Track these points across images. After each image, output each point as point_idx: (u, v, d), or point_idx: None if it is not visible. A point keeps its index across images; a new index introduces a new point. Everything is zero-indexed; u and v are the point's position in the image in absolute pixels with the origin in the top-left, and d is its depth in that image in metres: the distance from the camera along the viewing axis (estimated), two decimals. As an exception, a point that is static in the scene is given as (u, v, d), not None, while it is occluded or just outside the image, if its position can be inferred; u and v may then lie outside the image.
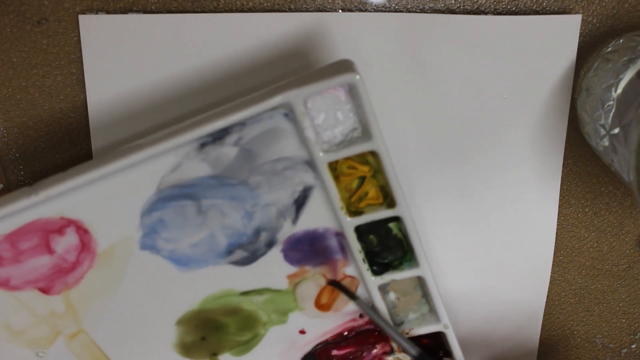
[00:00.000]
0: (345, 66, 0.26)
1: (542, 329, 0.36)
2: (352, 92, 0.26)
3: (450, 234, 0.34)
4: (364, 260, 0.29)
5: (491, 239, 0.34)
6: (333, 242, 0.30)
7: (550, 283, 0.35)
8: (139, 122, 0.31)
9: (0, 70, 0.31)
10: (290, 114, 0.27)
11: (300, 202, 0.29)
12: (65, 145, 0.32)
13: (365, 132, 0.27)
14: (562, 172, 0.33)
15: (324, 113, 0.27)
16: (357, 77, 0.25)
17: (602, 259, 0.35)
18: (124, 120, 0.31)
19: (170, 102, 0.31)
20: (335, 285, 0.30)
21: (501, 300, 0.35)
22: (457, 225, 0.34)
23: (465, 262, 0.35)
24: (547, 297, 0.36)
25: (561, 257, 0.35)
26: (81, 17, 0.30)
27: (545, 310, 0.36)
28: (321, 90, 0.26)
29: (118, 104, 0.31)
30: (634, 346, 0.37)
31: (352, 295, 0.30)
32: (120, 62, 0.31)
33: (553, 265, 0.35)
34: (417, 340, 0.32)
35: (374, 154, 0.27)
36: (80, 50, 0.31)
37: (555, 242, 0.35)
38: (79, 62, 0.31)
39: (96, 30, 0.30)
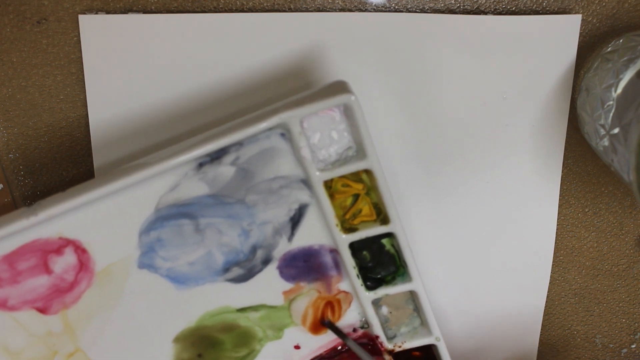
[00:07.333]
0: (340, 87, 0.26)
1: (542, 329, 0.36)
2: (347, 112, 0.27)
3: (449, 234, 0.34)
4: (358, 275, 0.30)
5: (491, 239, 0.34)
6: (327, 259, 0.30)
7: (550, 283, 0.35)
8: (140, 121, 0.31)
9: (0, 70, 0.31)
10: (286, 133, 0.27)
11: (295, 220, 0.29)
12: (66, 145, 0.32)
13: (360, 151, 0.27)
14: (562, 172, 0.33)
15: (320, 132, 0.27)
16: (353, 97, 0.26)
17: (602, 259, 0.35)
18: (124, 120, 0.31)
19: (170, 101, 0.31)
20: (329, 326, 0.31)
21: (501, 300, 0.35)
22: (456, 225, 0.34)
23: (465, 262, 0.35)
24: (547, 297, 0.36)
25: (561, 257, 0.35)
26: (81, 17, 0.30)
27: (545, 310, 0.36)
28: (317, 111, 0.26)
29: (118, 103, 0.31)
30: (634, 346, 0.37)
31: (343, 336, 0.31)
32: (120, 62, 0.31)
33: (553, 265, 0.35)
34: (408, 353, 0.32)
35: (368, 172, 0.28)
36: (80, 50, 0.31)
37: (555, 242, 0.35)
38: (79, 62, 0.31)
39: (96, 30, 0.30)
